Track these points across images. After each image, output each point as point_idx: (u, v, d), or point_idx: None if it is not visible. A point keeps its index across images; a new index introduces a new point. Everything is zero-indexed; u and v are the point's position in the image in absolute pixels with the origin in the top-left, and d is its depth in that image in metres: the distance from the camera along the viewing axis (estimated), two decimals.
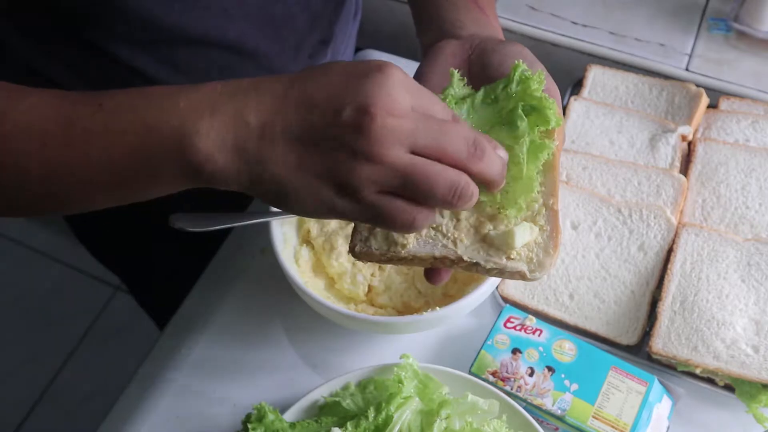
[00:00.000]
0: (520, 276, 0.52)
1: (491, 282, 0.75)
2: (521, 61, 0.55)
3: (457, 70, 0.57)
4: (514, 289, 0.84)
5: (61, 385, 1.89)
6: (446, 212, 0.54)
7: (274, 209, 0.82)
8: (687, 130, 0.92)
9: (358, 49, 1.10)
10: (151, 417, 0.79)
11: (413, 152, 0.45)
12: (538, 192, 0.53)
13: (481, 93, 0.55)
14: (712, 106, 0.97)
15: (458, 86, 0.56)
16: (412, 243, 0.53)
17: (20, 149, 0.50)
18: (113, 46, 0.75)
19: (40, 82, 0.81)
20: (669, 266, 0.81)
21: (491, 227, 0.53)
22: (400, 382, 0.69)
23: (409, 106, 0.45)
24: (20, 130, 0.50)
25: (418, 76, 0.61)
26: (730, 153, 0.89)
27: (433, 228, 0.54)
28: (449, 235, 0.53)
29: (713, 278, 0.79)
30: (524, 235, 0.52)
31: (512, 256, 0.52)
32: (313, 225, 0.86)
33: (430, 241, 0.53)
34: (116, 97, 0.50)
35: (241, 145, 0.46)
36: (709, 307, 0.78)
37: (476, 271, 0.53)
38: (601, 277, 0.83)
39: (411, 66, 1.08)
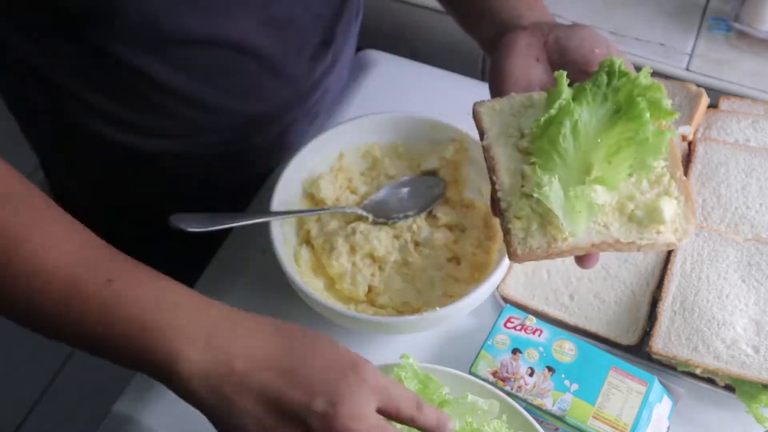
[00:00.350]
0: (668, 246, 0.57)
1: (491, 282, 0.75)
2: (614, 56, 0.58)
3: (564, 72, 0.58)
4: (514, 289, 0.84)
5: (61, 385, 1.89)
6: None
7: (275, 209, 0.82)
8: (687, 130, 0.92)
9: (358, 49, 1.10)
10: (151, 417, 0.79)
11: None
12: (665, 167, 0.58)
13: (588, 92, 0.57)
14: (713, 105, 0.97)
15: (565, 86, 0.58)
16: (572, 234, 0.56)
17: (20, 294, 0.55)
18: (114, 46, 0.75)
19: (41, 82, 0.81)
20: (669, 266, 0.81)
21: (633, 206, 0.57)
22: (401, 382, 0.69)
23: (373, 408, 0.53)
24: (26, 275, 0.55)
25: (498, 72, 0.64)
26: (731, 153, 0.89)
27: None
28: (599, 221, 0.57)
29: (713, 278, 0.79)
30: (670, 208, 0.57)
31: (661, 230, 0.56)
32: (313, 225, 0.86)
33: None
34: (125, 277, 0.56)
35: (219, 385, 0.52)
36: (709, 307, 0.77)
37: (629, 249, 0.57)
38: (602, 278, 0.83)
39: (411, 65, 1.08)
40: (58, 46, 0.76)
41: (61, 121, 0.87)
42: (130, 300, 0.54)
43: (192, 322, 0.54)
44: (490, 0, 0.71)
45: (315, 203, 0.88)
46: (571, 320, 0.81)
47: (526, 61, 0.62)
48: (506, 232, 0.57)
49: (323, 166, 0.89)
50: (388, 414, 0.54)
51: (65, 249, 0.56)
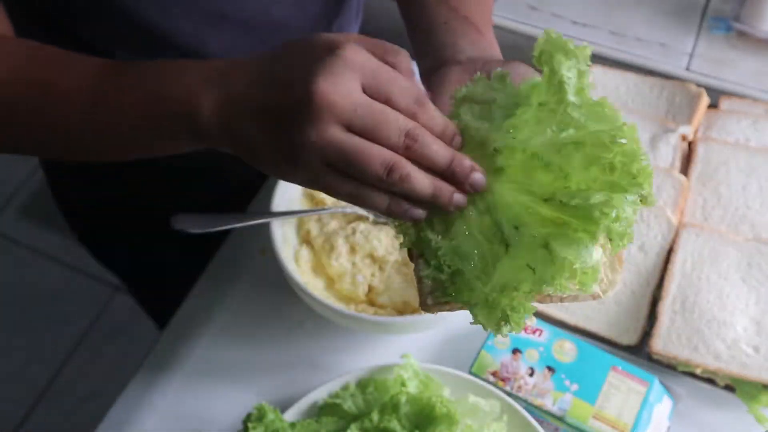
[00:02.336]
0: (594, 298, 0.48)
1: None
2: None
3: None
4: None
5: (61, 385, 1.89)
6: None
7: (275, 210, 0.82)
8: (687, 130, 0.92)
9: None
10: (151, 417, 0.79)
11: (352, 132, 0.47)
12: None
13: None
14: (713, 105, 0.97)
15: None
16: None
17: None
18: (111, 47, 0.75)
19: None
20: (669, 266, 0.81)
21: None
22: (403, 384, 0.69)
23: (357, 86, 0.47)
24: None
25: None
26: (731, 153, 0.89)
27: None
28: None
29: (714, 278, 0.79)
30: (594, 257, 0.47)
31: None
32: (313, 225, 0.86)
33: None
34: (133, 70, 0.58)
35: (226, 114, 0.51)
36: (709, 308, 0.77)
37: (551, 301, 0.48)
38: None
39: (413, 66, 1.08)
40: (41, 37, 0.76)
41: None
42: (141, 81, 0.57)
43: (194, 79, 0.53)
44: (436, 32, 0.68)
45: (315, 203, 0.88)
46: (572, 320, 0.81)
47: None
48: (418, 280, 0.49)
49: None
50: (377, 99, 0.47)
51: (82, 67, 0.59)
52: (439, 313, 0.65)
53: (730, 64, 1.06)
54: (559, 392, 0.72)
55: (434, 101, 0.56)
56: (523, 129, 0.48)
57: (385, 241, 0.84)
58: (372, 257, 0.84)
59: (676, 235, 0.83)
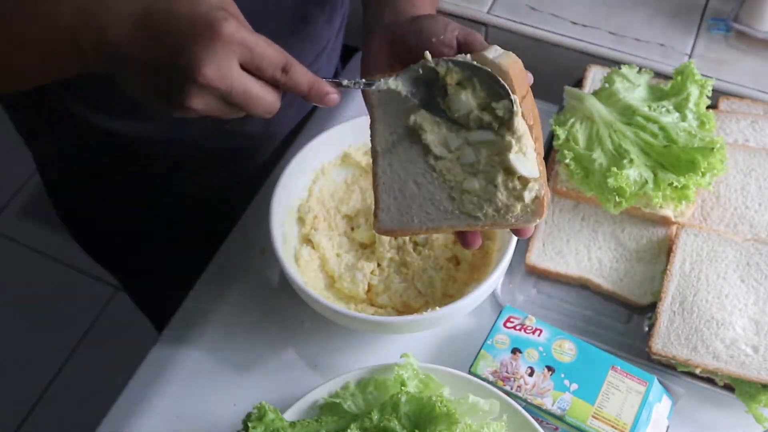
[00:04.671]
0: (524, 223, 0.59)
1: (491, 282, 0.75)
2: (457, 33, 0.61)
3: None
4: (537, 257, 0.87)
5: (61, 385, 1.89)
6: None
7: (275, 210, 0.82)
8: None
9: (356, 49, 1.10)
10: (151, 417, 0.79)
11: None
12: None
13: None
14: (712, 106, 0.97)
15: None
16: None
17: None
18: None
19: None
20: (668, 266, 0.81)
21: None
22: (403, 383, 0.69)
23: (235, 66, 0.53)
24: None
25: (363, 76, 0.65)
26: (730, 153, 0.89)
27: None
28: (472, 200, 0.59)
29: (713, 278, 0.79)
30: (525, 164, 0.58)
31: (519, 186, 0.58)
32: (313, 229, 0.86)
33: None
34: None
35: (104, 54, 0.55)
36: (708, 308, 0.78)
37: (502, 218, 0.59)
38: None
39: None
40: None
41: (46, 107, 0.86)
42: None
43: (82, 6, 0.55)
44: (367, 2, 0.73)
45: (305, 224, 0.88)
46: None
47: (381, 69, 0.63)
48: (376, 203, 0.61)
49: (323, 165, 0.89)
50: (251, 73, 0.54)
51: None
52: (437, 308, 0.69)
53: (730, 65, 1.06)
54: (559, 392, 0.72)
55: (364, 75, 0.64)
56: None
57: (384, 239, 0.84)
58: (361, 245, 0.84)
59: (675, 235, 0.83)
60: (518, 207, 0.58)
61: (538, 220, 0.58)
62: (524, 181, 0.57)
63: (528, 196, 0.58)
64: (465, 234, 0.63)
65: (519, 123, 0.57)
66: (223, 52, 0.52)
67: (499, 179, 0.58)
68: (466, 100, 0.58)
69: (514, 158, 0.57)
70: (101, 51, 0.54)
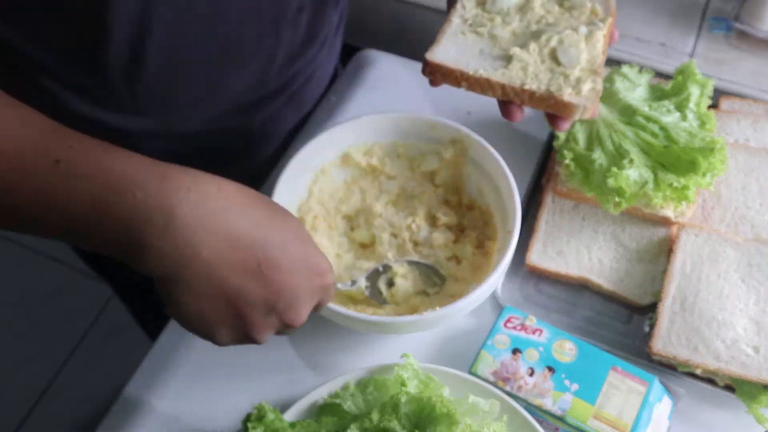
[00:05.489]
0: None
1: (491, 282, 0.75)
2: None
3: None
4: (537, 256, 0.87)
5: (61, 385, 1.89)
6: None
7: None
8: None
9: (356, 49, 1.10)
10: (151, 417, 0.79)
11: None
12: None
13: None
14: (713, 106, 0.97)
15: None
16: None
17: None
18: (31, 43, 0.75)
19: (7, 54, 0.79)
20: (669, 267, 0.81)
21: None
22: (403, 383, 0.69)
23: (310, 308, 0.61)
24: None
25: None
26: (730, 153, 0.89)
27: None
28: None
29: (713, 279, 0.79)
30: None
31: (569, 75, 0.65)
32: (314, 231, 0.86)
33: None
34: (75, 156, 0.51)
35: (179, 269, 0.51)
36: (709, 308, 0.77)
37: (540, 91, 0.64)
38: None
39: (411, 65, 1.08)
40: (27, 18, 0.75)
41: (36, 99, 0.86)
42: (78, 179, 0.50)
43: (147, 198, 0.49)
44: None
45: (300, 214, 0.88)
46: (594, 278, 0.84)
47: None
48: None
49: (323, 165, 0.89)
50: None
51: (10, 133, 0.51)
52: (437, 308, 0.69)
53: (730, 64, 1.06)
54: (559, 392, 0.72)
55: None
56: None
57: (385, 239, 0.84)
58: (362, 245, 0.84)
59: (676, 235, 0.83)
60: (572, 90, 0.63)
61: (587, 114, 0.63)
62: (585, 71, 0.64)
63: (586, 87, 0.63)
64: (509, 105, 0.66)
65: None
66: (316, 297, 0.59)
67: (563, 59, 0.65)
68: None
69: (580, 47, 0.65)
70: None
